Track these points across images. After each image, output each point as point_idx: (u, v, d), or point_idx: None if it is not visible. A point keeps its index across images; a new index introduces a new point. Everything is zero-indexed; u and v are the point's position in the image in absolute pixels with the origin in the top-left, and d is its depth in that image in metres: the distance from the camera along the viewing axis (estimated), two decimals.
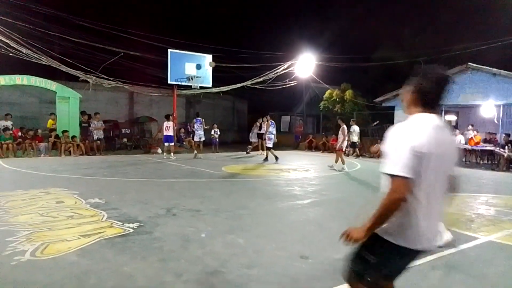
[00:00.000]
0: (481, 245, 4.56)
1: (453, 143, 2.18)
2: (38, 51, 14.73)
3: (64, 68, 15.63)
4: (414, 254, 2.11)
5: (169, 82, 17.70)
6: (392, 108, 18.78)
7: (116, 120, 20.90)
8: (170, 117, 15.51)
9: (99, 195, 6.73)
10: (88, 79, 16.24)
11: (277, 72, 19.97)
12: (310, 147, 21.92)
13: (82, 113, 16.09)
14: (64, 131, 14.69)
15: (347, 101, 22.35)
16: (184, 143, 18.86)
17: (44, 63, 14.93)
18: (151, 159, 14.40)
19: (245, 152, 17.49)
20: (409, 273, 3.58)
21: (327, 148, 21.02)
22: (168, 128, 14.69)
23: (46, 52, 15.27)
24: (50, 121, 15.65)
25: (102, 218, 5.24)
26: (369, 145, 19.01)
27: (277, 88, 20.78)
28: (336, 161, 12.19)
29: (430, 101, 2.09)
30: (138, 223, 5.00)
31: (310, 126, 28.10)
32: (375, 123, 21.14)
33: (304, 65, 20.42)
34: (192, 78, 17.79)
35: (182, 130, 19.68)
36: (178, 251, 4.07)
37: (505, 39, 15.54)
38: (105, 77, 16.87)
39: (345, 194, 8.09)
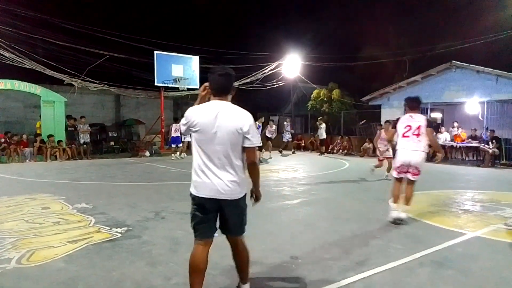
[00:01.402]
0: (468, 241, 4.63)
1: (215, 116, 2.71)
2: (21, 54, 14.50)
3: (48, 72, 15.42)
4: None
5: (156, 84, 17.57)
6: (378, 107, 18.96)
7: (103, 123, 20.69)
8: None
9: (86, 200, 6.65)
10: (73, 83, 16.05)
11: (265, 73, 20.02)
12: (299, 147, 21.98)
13: (68, 117, 15.88)
14: (49, 136, 14.47)
15: (335, 101, 22.49)
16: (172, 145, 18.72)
17: (28, 66, 14.70)
18: (139, 162, 14.28)
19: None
20: (397, 270, 3.63)
21: (315, 147, 21.13)
22: (177, 130, 14.78)
23: (29, 56, 15.05)
24: (39, 123, 15.41)
25: (89, 223, 5.17)
26: (357, 143, 19.21)
27: (264, 88, 20.83)
28: (388, 170, 9.73)
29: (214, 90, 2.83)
30: (126, 228, 4.94)
31: (299, 126, 28.20)
32: (362, 122, 21.34)
33: (291, 65, 20.50)
34: (179, 80, 17.69)
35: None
36: (167, 254, 4.04)
37: (488, 36, 15.82)
38: (91, 80, 16.69)
39: (334, 193, 8.13)
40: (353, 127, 22.16)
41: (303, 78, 21.90)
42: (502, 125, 15.23)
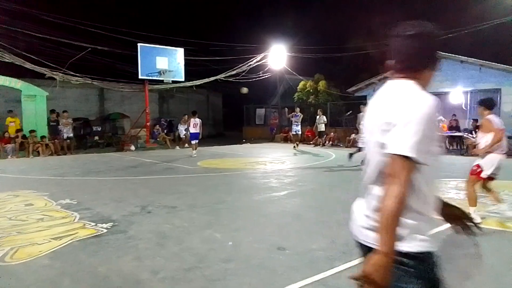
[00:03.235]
0: (451, 228, 4.69)
1: None
2: (0, 48, 14.11)
3: (29, 65, 15.05)
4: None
5: (140, 77, 17.32)
6: (364, 98, 19.05)
7: (87, 117, 20.37)
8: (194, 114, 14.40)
9: (71, 196, 6.54)
10: (55, 76, 15.71)
11: (251, 65, 19.93)
12: (286, 139, 22.01)
13: (52, 111, 15.56)
14: (31, 131, 14.17)
15: (321, 92, 22.55)
16: (158, 139, 18.56)
17: (7, 60, 14.33)
18: (125, 156, 14.11)
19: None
20: None
21: (302, 139, 21.17)
22: (196, 125, 13.58)
23: (9, 49, 14.66)
24: (8, 119, 14.59)
25: (74, 219, 5.09)
26: (343, 134, 19.32)
27: (251, 80, 20.76)
28: None
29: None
30: (112, 223, 4.88)
31: (285, 118, 28.21)
32: (348, 113, 21.45)
33: (277, 56, 20.45)
34: (164, 72, 17.48)
35: (157, 126, 19.35)
36: (154, 248, 4.00)
37: (472, 26, 16.00)
38: (73, 73, 16.36)
39: (321, 184, 8.17)
40: (339, 119, 22.28)
41: (289, 69, 21.89)
42: None
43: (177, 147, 17.22)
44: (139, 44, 17.09)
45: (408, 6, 27.50)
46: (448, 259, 3.63)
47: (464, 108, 16.30)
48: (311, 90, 22.91)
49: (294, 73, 22.36)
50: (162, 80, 18.09)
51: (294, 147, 16.11)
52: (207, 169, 10.39)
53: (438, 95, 17.46)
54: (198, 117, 13.74)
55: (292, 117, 16.70)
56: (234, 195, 6.89)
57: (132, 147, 16.48)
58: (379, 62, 24.14)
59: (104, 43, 18.28)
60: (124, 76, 20.75)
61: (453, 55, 15.77)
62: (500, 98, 14.64)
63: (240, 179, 9.01)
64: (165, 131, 20.08)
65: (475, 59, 15.11)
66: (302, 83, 23.54)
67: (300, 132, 16.80)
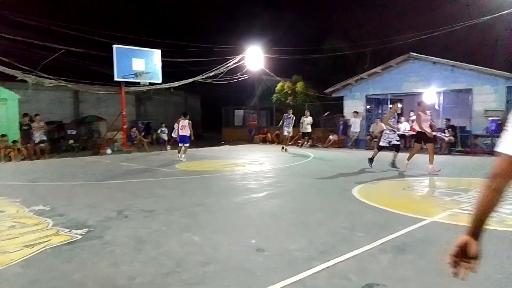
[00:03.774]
0: (427, 226, 4.81)
1: None
2: None
3: None
4: None
5: (115, 79, 17.02)
6: (341, 99, 19.34)
7: (61, 121, 19.89)
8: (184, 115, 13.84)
9: (44, 202, 6.36)
10: (27, 79, 15.26)
11: (228, 66, 19.90)
12: (265, 140, 22.09)
13: (24, 115, 15.10)
14: (2, 135, 13.71)
15: (299, 93, 22.74)
16: (135, 142, 18.29)
17: None
18: (101, 160, 13.84)
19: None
20: (360, 258, 3.73)
21: (281, 140, 21.29)
22: (184, 127, 12.90)
23: None
24: None
25: (47, 226, 4.95)
26: (321, 135, 19.53)
27: (229, 82, 20.72)
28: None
29: None
30: (87, 229, 4.77)
31: (264, 119, 28.30)
32: (325, 114, 21.71)
33: (255, 58, 20.49)
34: (140, 74, 17.23)
35: (134, 129, 19.07)
36: (131, 254, 3.93)
37: (444, 28, 16.44)
38: (46, 75, 15.93)
39: (299, 185, 8.22)
40: (317, 119, 22.50)
41: (267, 71, 21.98)
42: (457, 114, 15.97)
43: (168, 148, 16.99)
44: (114, 46, 16.79)
45: (382, 8, 28.08)
46: (423, 256, 3.72)
47: (437, 108, 16.72)
48: (289, 91, 23.07)
49: (272, 74, 22.47)
50: (139, 82, 17.83)
51: (283, 148, 15.97)
52: (185, 172, 10.30)
53: (413, 95, 17.93)
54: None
55: (285, 119, 16.41)
56: (212, 197, 6.85)
57: (108, 151, 16.18)
58: (354, 63, 24.60)
59: (78, 45, 17.90)
60: (100, 78, 20.38)
61: (426, 56, 16.18)
62: (472, 98, 15.10)
63: (218, 181, 8.97)
64: (143, 134, 19.84)
65: (447, 60, 15.54)
66: (280, 84, 23.68)
67: (291, 134, 16.65)
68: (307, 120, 18.05)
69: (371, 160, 10.35)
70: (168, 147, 17.01)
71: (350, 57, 24.63)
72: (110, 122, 19.32)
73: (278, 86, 23.75)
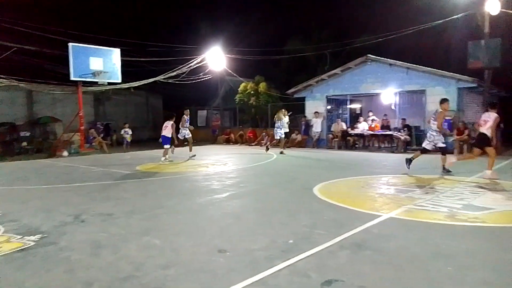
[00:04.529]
0: (383, 222, 4.99)
1: None
2: None
3: None
4: None
5: (72, 78, 16.38)
6: (303, 99, 19.65)
7: (13, 122, 18.90)
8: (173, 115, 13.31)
9: None
10: None
11: (191, 66, 19.70)
12: (228, 141, 22.06)
13: None
14: None
15: (262, 94, 22.88)
16: (93, 144, 17.69)
17: None
18: (57, 163, 13.27)
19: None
20: (320, 255, 3.81)
21: (244, 140, 21.37)
22: (165, 128, 12.55)
23: None
24: None
25: None
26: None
27: (191, 82, 20.52)
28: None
29: None
30: (40, 235, 4.56)
31: (227, 120, 28.27)
32: (288, 114, 21.95)
33: (217, 58, 20.41)
34: (98, 74, 16.69)
35: (92, 130, 18.44)
36: (87, 259, 3.80)
37: (400, 31, 17.07)
38: None
39: (262, 185, 8.28)
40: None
41: (230, 71, 21.96)
42: (412, 114, 16.66)
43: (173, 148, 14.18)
44: (70, 44, 16.17)
45: (341, 11, 28.83)
46: (380, 251, 3.86)
47: (393, 108, 17.37)
48: (252, 92, 23.17)
49: (235, 74, 22.48)
50: (97, 82, 17.26)
51: (281, 152, 14.91)
52: (146, 173, 10.09)
53: (370, 96, 18.53)
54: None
55: (276, 121, 15.48)
56: (174, 199, 6.76)
57: (65, 153, 15.55)
58: (315, 64, 25.06)
59: (32, 43, 17.07)
60: (55, 77, 19.56)
61: (383, 58, 16.75)
62: (425, 99, 15.80)
63: (181, 182, 8.86)
64: (102, 135, 19.23)
65: (403, 62, 16.16)
66: (243, 84, 23.75)
67: (283, 136, 15.37)
68: (285, 120, 17.50)
69: (409, 161, 9.50)
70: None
71: (311, 59, 25.08)
72: (66, 123, 18.57)
73: (241, 87, 23.80)
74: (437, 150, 9.50)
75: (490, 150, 8.31)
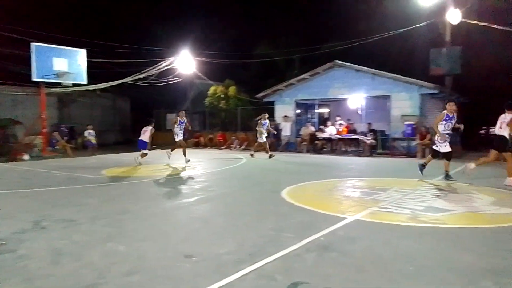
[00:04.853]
0: (349, 224, 5.09)
1: None
2: None
3: None
4: None
5: (34, 79, 15.76)
6: (272, 103, 19.80)
7: None
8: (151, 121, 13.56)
9: None
10: None
11: (160, 68, 19.43)
12: (198, 144, 21.89)
13: None
14: None
15: (231, 97, 22.89)
16: (57, 147, 17.07)
17: None
18: (17, 167, 12.71)
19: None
20: (287, 258, 3.84)
21: (214, 144, 21.28)
22: (144, 133, 12.64)
23: None
24: None
25: None
26: (253, 139, 19.77)
27: (160, 84, 20.24)
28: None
29: None
30: None
31: (197, 123, 28.02)
32: (258, 118, 22.05)
33: (187, 61, 20.26)
34: (62, 75, 16.14)
35: (55, 133, 17.78)
36: (48, 267, 3.66)
37: (365, 38, 17.53)
38: None
39: (231, 189, 8.26)
40: (249, 123, 22.80)
41: (200, 74, 21.84)
42: (378, 119, 17.15)
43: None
44: (32, 44, 15.57)
45: (310, 17, 29.32)
46: (345, 253, 3.93)
47: (359, 113, 17.81)
48: (221, 95, 23.13)
49: (204, 78, 22.37)
50: (61, 83, 16.68)
51: (270, 156, 14.60)
52: (112, 178, 9.83)
53: (338, 101, 18.91)
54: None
55: (259, 126, 15.05)
56: (140, 204, 6.62)
57: (26, 157, 14.92)
58: (285, 69, 25.34)
59: None
60: (16, 78, 18.77)
61: (350, 64, 17.16)
62: (390, 104, 16.30)
63: (147, 187, 8.69)
64: (66, 138, 18.59)
65: (369, 68, 16.62)
66: (212, 88, 23.68)
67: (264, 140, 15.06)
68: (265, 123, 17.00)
69: (422, 166, 9.06)
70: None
71: (280, 63, 25.34)
72: (28, 126, 17.84)
73: (211, 90, 23.71)
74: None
75: (507, 155, 8.01)
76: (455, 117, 8.54)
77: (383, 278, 3.36)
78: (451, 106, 8.51)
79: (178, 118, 12.97)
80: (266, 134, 15.13)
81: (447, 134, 8.43)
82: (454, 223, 5.23)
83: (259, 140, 15.14)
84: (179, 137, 12.97)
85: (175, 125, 12.91)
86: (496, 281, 3.26)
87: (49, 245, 4.29)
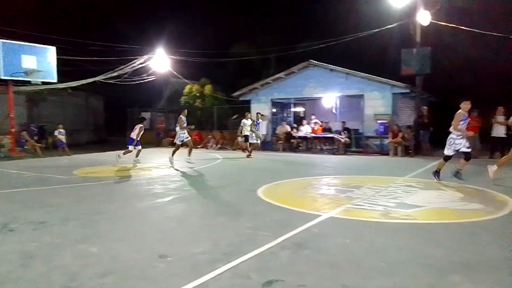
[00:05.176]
0: (323, 221, 5.17)
1: None
2: None
3: None
4: None
5: (1, 77, 15.20)
6: (248, 102, 19.83)
7: None
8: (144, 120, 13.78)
9: None
10: None
11: (134, 67, 19.13)
12: (173, 144, 21.64)
13: None
14: None
15: (207, 96, 22.78)
16: (26, 147, 16.53)
17: None
18: None
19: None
20: (262, 256, 3.87)
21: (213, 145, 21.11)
22: (134, 130, 12.84)
23: None
24: None
25: None
26: (229, 137, 19.78)
27: (134, 83, 19.92)
28: None
29: None
30: None
31: (172, 122, 27.73)
32: (234, 117, 22.10)
33: (162, 59, 20.02)
34: (31, 73, 15.63)
35: (24, 133, 17.21)
36: (17, 271, 3.55)
37: (339, 38, 17.78)
38: None
39: (206, 188, 8.24)
40: (225, 122, 22.80)
41: (175, 73, 21.62)
42: (352, 117, 17.45)
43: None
44: None
45: (285, 17, 29.50)
46: (319, 250, 3.99)
47: (334, 112, 18.09)
48: (197, 94, 22.98)
49: (180, 76, 22.16)
50: (30, 81, 16.15)
51: (248, 155, 14.60)
52: (84, 178, 9.61)
53: (313, 100, 19.13)
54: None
55: (252, 127, 14.80)
56: (114, 204, 6.51)
57: None
58: (260, 68, 25.41)
59: None
60: None
61: (324, 64, 17.38)
62: (363, 103, 16.62)
63: (122, 187, 8.55)
64: (36, 138, 18.04)
65: (342, 68, 16.88)
66: (188, 86, 23.50)
67: (258, 141, 15.05)
68: (248, 122, 16.79)
69: (437, 173, 8.48)
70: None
71: (256, 62, 25.39)
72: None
73: (186, 89, 23.52)
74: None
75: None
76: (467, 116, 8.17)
77: (357, 274, 3.43)
78: (467, 105, 7.98)
79: (183, 117, 12.21)
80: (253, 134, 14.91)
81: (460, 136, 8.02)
82: (425, 218, 5.40)
83: (250, 140, 14.93)
84: (187, 137, 12.34)
85: (182, 125, 12.15)
86: (466, 274, 3.39)
87: (18, 248, 4.16)
